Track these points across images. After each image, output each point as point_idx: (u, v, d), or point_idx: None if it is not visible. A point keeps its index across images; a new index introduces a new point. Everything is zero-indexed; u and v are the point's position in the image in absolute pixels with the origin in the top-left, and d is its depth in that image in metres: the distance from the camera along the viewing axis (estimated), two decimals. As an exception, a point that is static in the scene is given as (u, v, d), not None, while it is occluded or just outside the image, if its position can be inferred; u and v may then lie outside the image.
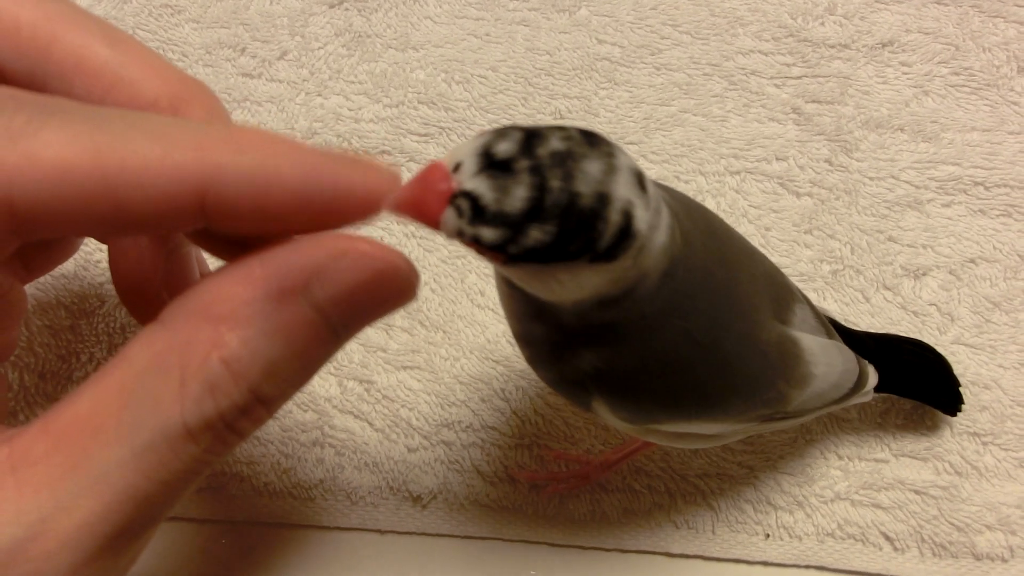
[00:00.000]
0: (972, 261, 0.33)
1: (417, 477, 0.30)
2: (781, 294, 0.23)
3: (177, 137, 0.16)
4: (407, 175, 0.16)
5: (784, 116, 0.35)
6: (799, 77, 0.35)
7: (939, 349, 0.30)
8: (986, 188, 0.34)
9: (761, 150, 0.34)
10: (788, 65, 0.35)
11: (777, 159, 0.34)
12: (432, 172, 0.16)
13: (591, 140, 0.16)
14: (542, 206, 0.15)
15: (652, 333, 0.19)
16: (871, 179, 0.34)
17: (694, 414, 0.22)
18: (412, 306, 0.32)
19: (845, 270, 0.33)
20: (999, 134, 0.35)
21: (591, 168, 0.15)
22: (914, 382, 0.29)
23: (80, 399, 0.16)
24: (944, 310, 0.32)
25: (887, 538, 0.29)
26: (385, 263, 0.17)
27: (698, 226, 0.20)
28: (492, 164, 0.15)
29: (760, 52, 0.35)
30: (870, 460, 0.30)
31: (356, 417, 0.30)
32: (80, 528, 0.16)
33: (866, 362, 0.26)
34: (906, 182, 0.34)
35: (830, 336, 0.25)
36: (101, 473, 0.16)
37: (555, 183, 0.15)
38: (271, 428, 0.30)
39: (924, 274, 0.33)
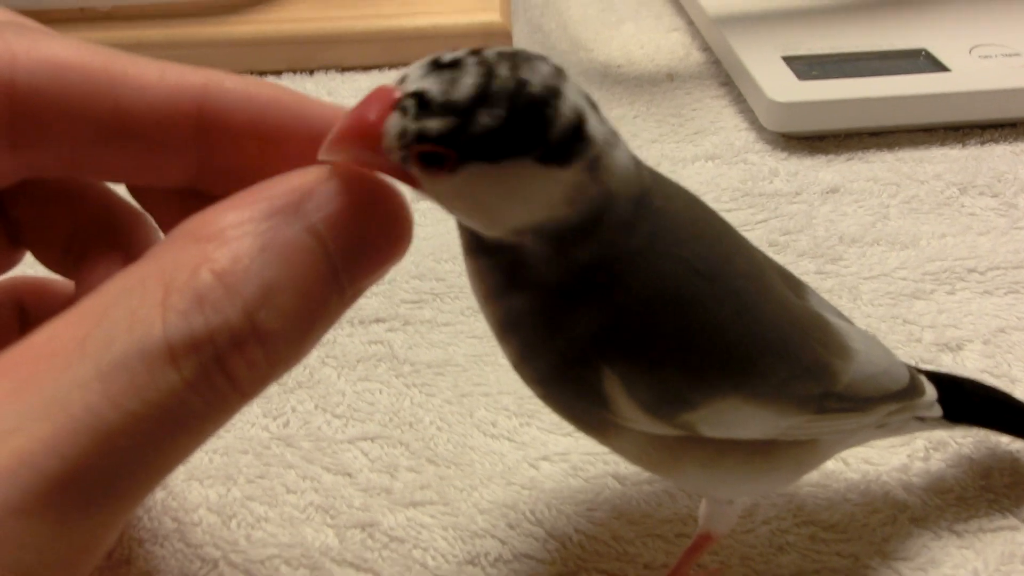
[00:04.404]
0: (1003, 331, 0.31)
1: (439, 628, 0.23)
2: (791, 278, 0.22)
3: (174, 64, 0.18)
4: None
5: (762, 248, 0.36)
6: (764, 220, 0.37)
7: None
8: (980, 273, 0.34)
9: (750, 275, 0.35)
10: (752, 215, 0.38)
11: (768, 279, 0.34)
12: (376, 91, 0.16)
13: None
14: (489, 92, 0.15)
15: (649, 265, 0.17)
16: (866, 279, 0.34)
17: (728, 380, 0.18)
18: (416, 444, 0.28)
19: (875, 351, 0.31)
20: (970, 235, 0.36)
21: (541, 67, 0.15)
22: (990, 412, 0.25)
23: (39, 332, 0.14)
24: (997, 373, 0.29)
25: (1066, 626, 0.22)
26: (375, 182, 0.16)
27: (678, 191, 0.20)
28: (440, 66, 0.15)
29: (722, 210, 0.38)
30: (995, 530, 0.25)
31: (358, 569, 0.24)
32: (18, 457, 0.12)
33: (915, 369, 0.23)
34: (901, 279, 0.34)
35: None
36: (55, 396, 0.13)
37: (503, 72, 0.15)
38: (251, 590, 0.24)
39: (960, 347, 0.31)
